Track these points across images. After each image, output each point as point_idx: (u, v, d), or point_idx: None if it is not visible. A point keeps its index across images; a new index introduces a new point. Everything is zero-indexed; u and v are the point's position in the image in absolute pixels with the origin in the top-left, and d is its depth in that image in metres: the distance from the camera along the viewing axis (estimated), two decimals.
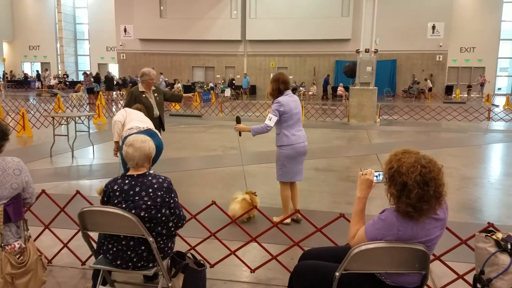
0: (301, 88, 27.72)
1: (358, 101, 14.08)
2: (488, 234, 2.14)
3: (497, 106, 20.73)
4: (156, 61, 32.03)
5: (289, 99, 4.34)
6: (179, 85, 27.82)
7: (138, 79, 6.76)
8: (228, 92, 25.74)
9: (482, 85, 28.65)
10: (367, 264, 2.13)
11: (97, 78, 22.37)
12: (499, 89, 32.02)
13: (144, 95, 6.09)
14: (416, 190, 1.96)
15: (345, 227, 3.76)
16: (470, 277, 2.59)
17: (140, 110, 5.36)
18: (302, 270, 2.39)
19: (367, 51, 14.50)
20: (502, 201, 5.75)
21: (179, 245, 3.19)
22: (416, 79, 27.62)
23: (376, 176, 2.30)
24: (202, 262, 2.94)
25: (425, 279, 2.19)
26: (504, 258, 2.02)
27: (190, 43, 31.29)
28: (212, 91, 26.15)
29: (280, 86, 4.36)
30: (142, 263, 2.58)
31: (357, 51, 14.93)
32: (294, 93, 18.96)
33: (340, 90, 25.65)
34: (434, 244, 2.16)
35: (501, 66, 31.85)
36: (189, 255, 2.92)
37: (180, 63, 32.48)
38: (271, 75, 29.50)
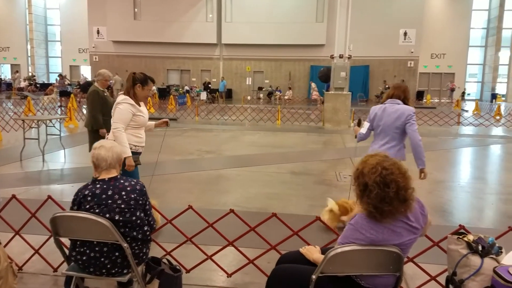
0: (277, 92, 27.87)
1: (333, 105, 14.27)
2: (460, 236, 2.20)
3: (467, 111, 21.38)
4: (129, 64, 31.56)
5: (379, 108, 4.06)
6: (154, 88, 27.51)
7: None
8: (204, 95, 25.62)
9: (452, 90, 29.58)
10: (343, 266, 2.15)
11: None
12: (468, 94, 33.06)
13: (106, 95, 6.00)
14: (376, 190, 2.02)
15: (321, 230, 3.80)
16: (442, 279, 2.65)
17: None
18: (279, 273, 2.40)
19: (341, 56, 14.72)
20: (473, 204, 5.92)
21: (154, 251, 3.14)
22: (387, 86, 28.22)
23: None
24: (178, 267, 2.91)
25: (399, 281, 2.23)
26: (475, 260, 2.07)
27: (165, 46, 31.01)
28: (187, 94, 25.98)
29: (394, 92, 4.10)
30: (116, 269, 2.53)
31: (332, 57, 15.15)
32: (269, 97, 18.99)
33: (315, 94, 25.94)
34: (408, 249, 2.22)
35: (470, 72, 32.90)
36: (164, 260, 2.89)
37: (155, 65, 32.12)
38: (247, 79, 29.34)
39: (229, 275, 3.37)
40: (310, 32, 29.06)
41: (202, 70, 32.10)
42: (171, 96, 23.44)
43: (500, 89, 31.70)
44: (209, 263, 3.45)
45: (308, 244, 3.18)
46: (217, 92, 27.90)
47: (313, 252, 2.46)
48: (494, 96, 30.12)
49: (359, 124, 4.38)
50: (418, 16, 29.31)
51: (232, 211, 3.41)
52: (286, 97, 27.29)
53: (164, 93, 27.51)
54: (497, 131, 13.92)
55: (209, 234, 3.58)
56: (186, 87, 29.25)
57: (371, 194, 2.04)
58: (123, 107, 3.90)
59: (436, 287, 3.09)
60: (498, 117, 17.35)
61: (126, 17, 30.70)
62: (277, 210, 4.72)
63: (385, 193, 2.02)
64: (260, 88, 30.62)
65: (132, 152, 3.98)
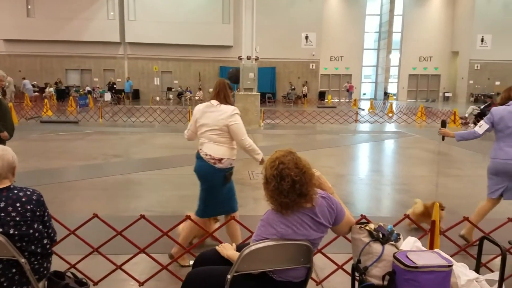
0: (187, 93, 27.53)
1: (243, 106, 14.46)
2: (362, 226, 2.35)
3: (363, 109, 23.11)
4: (23, 64, 28.96)
5: (503, 109, 3.95)
6: (51, 89, 25.56)
7: None
8: (108, 96, 24.37)
9: (348, 91, 31.74)
10: (257, 263, 2.18)
11: None
12: (364, 94, 35.82)
13: (0, 97, 5.44)
14: (273, 183, 2.15)
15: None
16: (348, 267, 2.82)
17: None
18: (193, 278, 2.35)
19: (248, 58, 15.01)
20: (371, 195, 6.41)
21: (57, 264, 2.90)
22: (293, 87, 29.45)
23: None
24: (84, 280, 2.72)
25: (310, 272, 2.32)
26: (376, 247, 2.23)
27: (63, 44, 28.98)
28: (89, 95, 24.49)
29: (511, 94, 3.99)
30: (14, 287, 2.31)
31: (240, 58, 15.39)
32: (180, 98, 18.70)
33: None
34: (317, 244, 2.33)
35: (365, 74, 35.66)
36: (69, 274, 2.69)
37: (52, 65, 29.83)
38: (155, 79, 28.54)
39: (141, 284, 3.24)
40: (218, 33, 29.22)
41: (105, 69, 30.57)
42: (71, 97, 21.93)
43: (392, 88, 34.84)
44: (119, 273, 3.29)
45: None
46: (123, 93, 26.75)
47: (227, 249, 2.47)
48: (386, 95, 32.98)
49: (444, 125, 4.35)
50: (318, 21, 31.04)
51: (142, 216, 3.29)
52: (196, 98, 27.09)
53: (62, 94, 25.69)
54: (390, 127, 15.27)
55: (119, 243, 3.41)
56: (88, 88, 27.61)
57: (270, 186, 2.17)
58: (240, 120, 3.57)
59: (343, 275, 3.29)
60: (390, 115, 19.03)
61: (18, 14, 28.15)
62: (192, 212, 4.66)
63: (281, 186, 2.13)
64: (169, 89, 30.02)
65: (230, 168, 3.68)
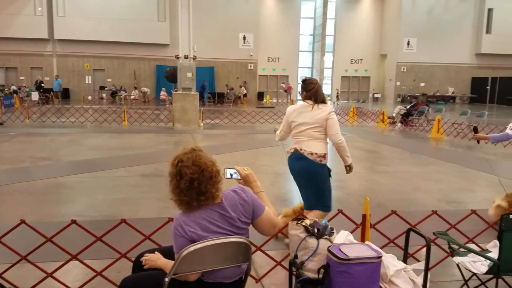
0: (122, 92, 26.60)
1: (182, 105, 14.28)
2: (299, 222, 2.42)
3: None
4: None
5: None
6: None
7: None
8: (35, 95, 22.91)
9: (286, 91, 32.39)
10: (196, 264, 2.14)
11: None
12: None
13: None
14: (174, 180, 2.15)
15: None
16: (287, 263, 2.89)
17: None
18: (129, 283, 2.27)
19: (186, 57, 14.83)
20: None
21: None
22: (232, 87, 29.52)
23: (232, 174, 2.46)
24: None
25: (249, 270, 2.33)
26: (312, 242, 2.31)
27: None
28: (15, 95, 22.84)
29: None
30: None
31: (177, 57, 15.15)
32: (113, 97, 18.18)
33: (163, 94, 25.63)
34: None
35: (301, 75, 36.59)
36: None
37: None
38: (86, 78, 27.37)
39: None
40: (153, 31, 28.57)
41: (32, 67, 28.74)
42: None
43: (325, 90, 36.07)
44: (51, 281, 3.12)
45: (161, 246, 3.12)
46: (52, 92, 25.28)
47: (156, 260, 2.33)
48: (337, 96, 34.07)
49: (476, 131, 4.57)
50: (255, 22, 31.40)
51: (74, 221, 3.15)
52: (132, 97, 26.27)
53: None
54: None
55: (49, 250, 3.24)
56: (13, 87, 25.77)
57: (171, 184, 2.16)
58: (335, 117, 3.81)
59: (282, 271, 3.37)
60: None
61: None
62: (127, 215, 4.53)
63: (180, 184, 2.12)
64: (102, 88, 28.83)
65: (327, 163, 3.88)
